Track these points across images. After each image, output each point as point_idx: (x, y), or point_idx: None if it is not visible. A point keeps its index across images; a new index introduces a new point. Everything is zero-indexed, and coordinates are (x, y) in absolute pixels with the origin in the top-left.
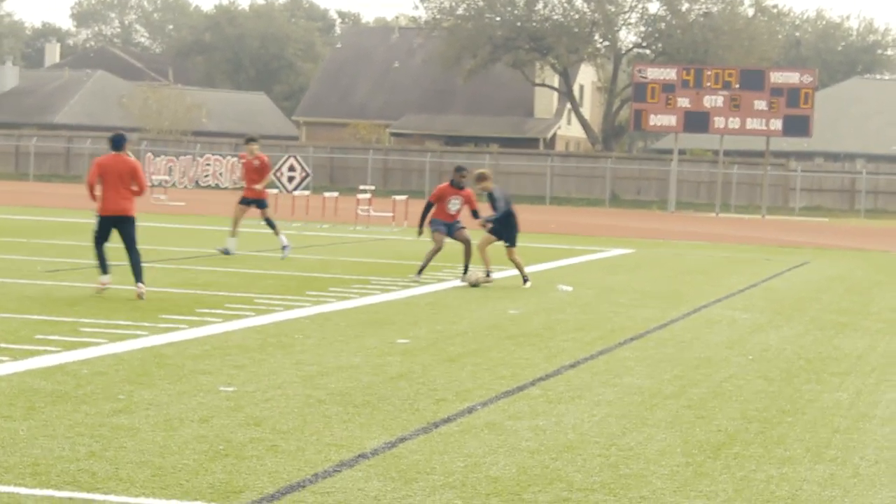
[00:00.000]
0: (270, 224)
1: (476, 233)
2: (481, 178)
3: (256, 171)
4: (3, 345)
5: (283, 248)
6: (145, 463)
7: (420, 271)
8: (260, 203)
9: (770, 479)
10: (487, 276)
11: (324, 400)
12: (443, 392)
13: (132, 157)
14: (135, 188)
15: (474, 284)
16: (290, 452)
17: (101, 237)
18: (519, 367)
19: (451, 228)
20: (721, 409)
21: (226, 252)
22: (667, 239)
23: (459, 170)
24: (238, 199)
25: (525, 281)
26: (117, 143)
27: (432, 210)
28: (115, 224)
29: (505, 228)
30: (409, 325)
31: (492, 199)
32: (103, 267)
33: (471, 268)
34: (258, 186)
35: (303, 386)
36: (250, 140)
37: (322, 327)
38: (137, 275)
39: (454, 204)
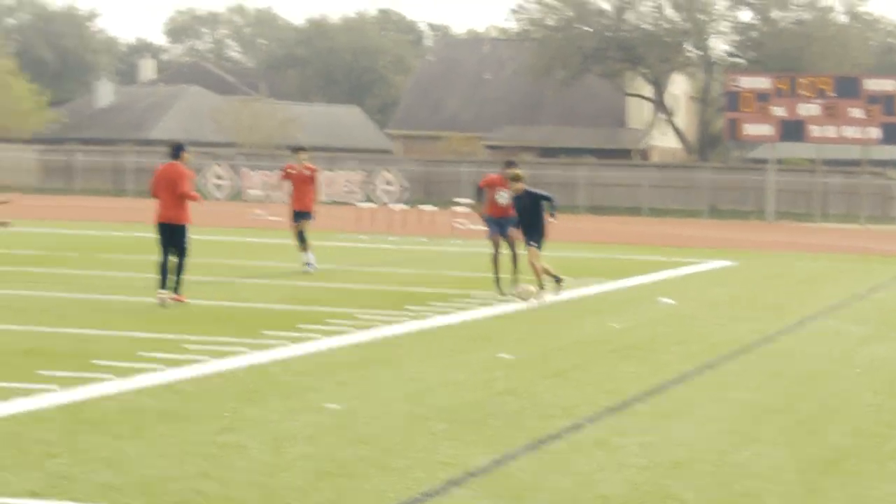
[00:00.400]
0: (303, 238)
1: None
2: (515, 178)
3: (307, 183)
4: (108, 362)
5: (307, 264)
6: (255, 483)
7: (498, 285)
8: (306, 215)
9: (886, 496)
10: (548, 287)
11: (429, 417)
12: (549, 408)
13: (185, 166)
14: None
15: (524, 299)
16: (399, 471)
17: (162, 246)
18: (624, 382)
19: (503, 227)
20: (831, 423)
21: (309, 266)
22: (767, 249)
23: (510, 164)
24: (290, 216)
25: (540, 288)
26: (174, 151)
27: (485, 200)
28: (168, 231)
29: (530, 227)
30: (513, 339)
31: (534, 196)
32: (160, 281)
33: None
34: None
35: (408, 403)
36: (299, 149)
37: (425, 343)
38: (173, 283)
39: (502, 196)
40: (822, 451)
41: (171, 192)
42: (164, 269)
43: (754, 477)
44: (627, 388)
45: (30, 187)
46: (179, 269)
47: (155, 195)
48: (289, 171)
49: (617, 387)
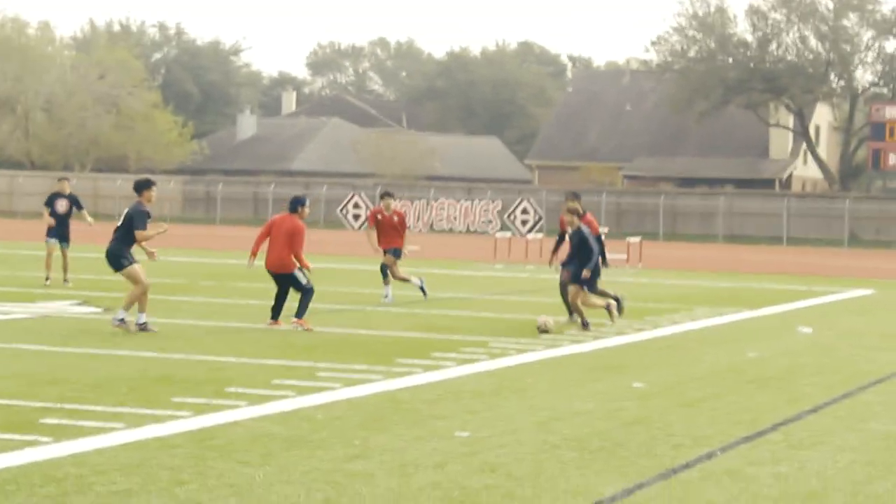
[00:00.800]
0: (385, 273)
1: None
2: (573, 211)
3: (395, 228)
4: (241, 389)
5: (385, 297)
6: None
7: (582, 321)
8: (396, 252)
9: None
10: (585, 326)
11: (558, 445)
12: (680, 437)
13: (301, 220)
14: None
15: (543, 331)
16: (526, 499)
17: (277, 284)
18: (759, 412)
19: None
20: None
21: (386, 299)
22: None
23: (573, 196)
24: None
25: (584, 326)
26: (293, 205)
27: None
28: (277, 278)
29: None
30: (645, 368)
31: (582, 238)
32: (273, 310)
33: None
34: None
35: (537, 431)
36: (386, 195)
37: (555, 371)
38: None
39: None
40: None
41: (285, 243)
42: (276, 300)
43: None
44: (762, 418)
45: (173, 217)
46: (302, 300)
47: (260, 240)
48: (377, 216)
49: (752, 417)
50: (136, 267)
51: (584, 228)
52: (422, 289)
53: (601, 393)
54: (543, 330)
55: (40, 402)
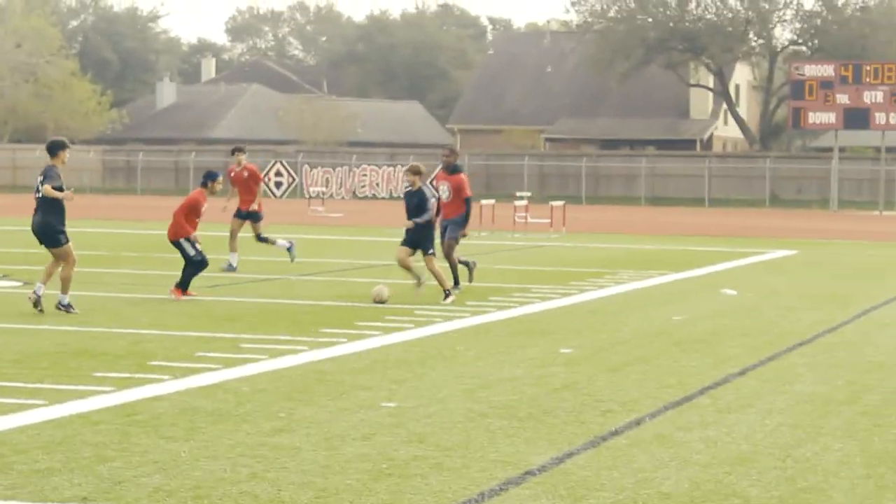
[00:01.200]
0: (264, 240)
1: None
2: (415, 171)
3: (245, 183)
4: (165, 363)
5: (288, 249)
6: (308, 484)
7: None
8: (254, 217)
9: None
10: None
11: (487, 414)
12: (609, 403)
13: (205, 194)
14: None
15: (379, 301)
16: (455, 470)
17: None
18: (686, 376)
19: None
20: None
21: (230, 268)
22: (830, 239)
23: (213, 176)
24: (233, 213)
25: (446, 296)
26: (203, 179)
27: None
28: (173, 246)
29: (423, 234)
30: (572, 333)
31: (422, 198)
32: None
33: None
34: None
35: (465, 400)
36: (237, 150)
37: (483, 338)
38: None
39: (443, 192)
40: (891, 445)
41: (180, 212)
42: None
43: (820, 472)
44: (689, 381)
45: (92, 187)
46: (185, 269)
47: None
48: (229, 174)
49: (679, 381)
50: (70, 245)
51: (426, 189)
52: (289, 250)
53: (529, 359)
54: (379, 300)
55: None
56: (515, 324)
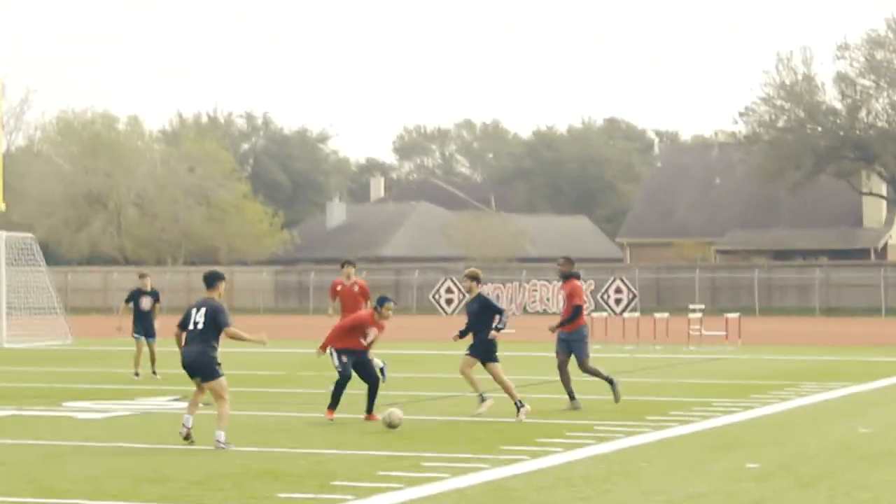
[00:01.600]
0: None
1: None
2: (473, 276)
3: (354, 297)
4: (346, 483)
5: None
6: None
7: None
8: None
9: None
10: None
11: None
12: None
13: (374, 318)
14: None
15: (390, 426)
16: None
17: None
18: (879, 490)
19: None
20: None
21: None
22: None
23: (382, 301)
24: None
25: (519, 408)
26: (378, 303)
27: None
28: None
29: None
30: (756, 447)
31: (482, 304)
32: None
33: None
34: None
35: None
36: (347, 263)
37: (666, 453)
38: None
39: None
40: None
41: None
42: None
43: None
44: (884, 497)
45: (266, 307)
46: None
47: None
48: (336, 287)
49: (873, 496)
50: (225, 378)
51: (485, 295)
52: (381, 371)
53: (715, 474)
54: (390, 425)
55: (144, 502)
56: (698, 438)
